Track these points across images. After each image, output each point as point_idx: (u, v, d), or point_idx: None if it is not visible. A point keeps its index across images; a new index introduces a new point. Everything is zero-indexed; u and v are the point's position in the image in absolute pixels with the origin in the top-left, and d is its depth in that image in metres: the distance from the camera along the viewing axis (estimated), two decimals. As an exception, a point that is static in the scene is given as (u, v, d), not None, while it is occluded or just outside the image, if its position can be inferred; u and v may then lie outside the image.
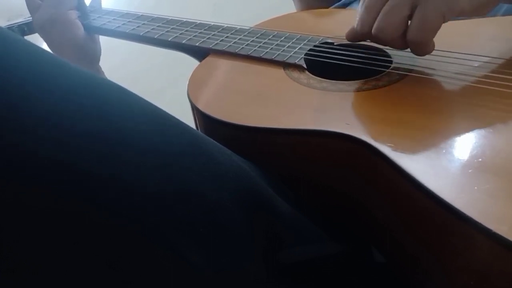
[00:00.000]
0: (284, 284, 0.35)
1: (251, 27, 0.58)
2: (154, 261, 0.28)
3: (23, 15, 0.74)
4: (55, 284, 0.27)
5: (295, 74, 0.47)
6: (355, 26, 0.44)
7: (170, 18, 0.63)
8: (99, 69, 0.72)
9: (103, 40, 0.72)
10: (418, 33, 0.40)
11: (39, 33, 0.67)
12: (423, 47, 0.41)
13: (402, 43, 0.41)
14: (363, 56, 0.47)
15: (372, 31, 0.41)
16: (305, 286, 0.36)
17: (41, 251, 0.26)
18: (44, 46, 0.67)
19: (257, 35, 0.55)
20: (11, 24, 0.73)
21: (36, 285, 0.27)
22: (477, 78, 0.42)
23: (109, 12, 0.70)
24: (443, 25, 0.40)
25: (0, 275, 0.26)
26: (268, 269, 0.33)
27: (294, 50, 0.51)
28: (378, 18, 0.40)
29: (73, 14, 0.66)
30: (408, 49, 0.43)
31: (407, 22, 0.40)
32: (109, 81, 0.32)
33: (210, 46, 0.54)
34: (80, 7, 0.68)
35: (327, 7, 0.69)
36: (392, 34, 0.41)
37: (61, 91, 0.27)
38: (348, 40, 0.46)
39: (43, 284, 0.27)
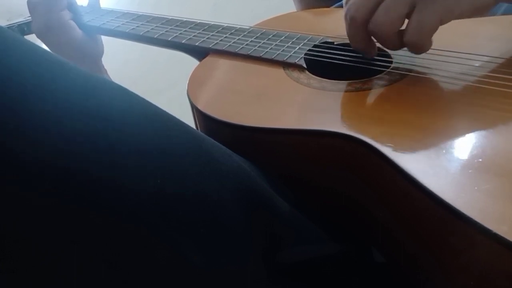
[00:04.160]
0: (284, 284, 0.35)
1: (250, 27, 0.58)
2: (155, 261, 0.28)
3: (23, 15, 0.74)
4: (55, 284, 0.27)
5: (295, 74, 0.47)
6: (347, 16, 0.42)
7: (170, 17, 0.63)
8: (101, 68, 0.72)
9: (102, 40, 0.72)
10: (415, 36, 0.40)
11: (39, 39, 0.67)
12: (419, 48, 0.41)
13: (397, 41, 0.41)
14: (363, 56, 0.47)
15: (369, 26, 0.41)
16: (305, 286, 0.36)
17: (40, 251, 0.26)
18: (45, 46, 0.67)
19: (257, 35, 0.55)
20: (11, 24, 0.73)
21: (36, 285, 0.27)
22: (478, 78, 0.42)
23: (108, 12, 0.70)
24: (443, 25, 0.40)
25: (0, 275, 0.26)
26: (267, 268, 0.33)
27: (294, 50, 0.51)
28: (376, 13, 0.40)
29: (66, 16, 0.66)
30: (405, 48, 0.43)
31: (404, 21, 0.40)
32: (110, 81, 0.32)
33: (210, 46, 0.54)
34: (71, 7, 0.68)
35: (327, 7, 0.69)
36: (389, 31, 0.40)
37: (62, 91, 0.27)
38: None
39: (43, 284, 0.27)
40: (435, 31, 0.39)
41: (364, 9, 0.41)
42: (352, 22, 0.42)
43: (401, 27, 0.41)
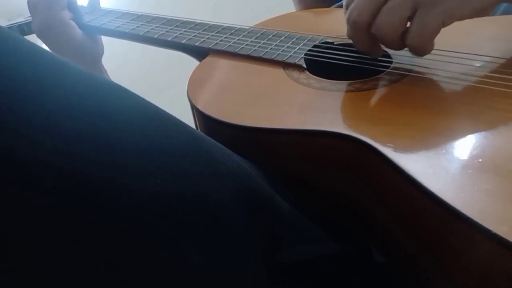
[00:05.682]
0: (284, 284, 0.35)
1: (250, 27, 0.58)
2: (155, 261, 0.28)
3: (23, 15, 0.74)
4: (55, 284, 0.27)
5: (295, 74, 0.47)
6: (349, 20, 0.42)
7: (170, 17, 0.63)
8: (101, 69, 0.72)
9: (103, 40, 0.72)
10: (417, 38, 0.40)
11: (39, 38, 0.67)
12: (421, 51, 0.41)
13: (400, 43, 0.41)
14: (363, 56, 0.47)
15: (372, 29, 0.41)
16: (305, 286, 0.36)
17: (40, 251, 0.26)
18: (45, 46, 0.67)
19: (257, 35, 0.55)
20: (11, 24, 0.73)
21: (36, 285, 0.27)
22: (477, 78, 0.42)
23: (108, 12, 0.70)
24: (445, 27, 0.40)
25: (0, 275, 0.26)
26: (267, 268, 0.33)
27: (294, 50, 0.51)
28: (379, 16, 0.40)
29: (66, 15, 0.66)
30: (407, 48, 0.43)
31: (406, 23, 0.40)
32: (111, 81, 0.32)
33: (210, 46, 0.54)
34: (71, 6, 0.68)
35: (327, 7, 0.69)
36: (392, 34, 0.40)
37: (62, 91, 0.27)
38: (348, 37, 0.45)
39: (43, 284, 0.27)
40: (437, 34, 0.40)
41: (366, 12, 0.41)
42: (354, 26, 0.42)
43: (403, 29, 0.41)
